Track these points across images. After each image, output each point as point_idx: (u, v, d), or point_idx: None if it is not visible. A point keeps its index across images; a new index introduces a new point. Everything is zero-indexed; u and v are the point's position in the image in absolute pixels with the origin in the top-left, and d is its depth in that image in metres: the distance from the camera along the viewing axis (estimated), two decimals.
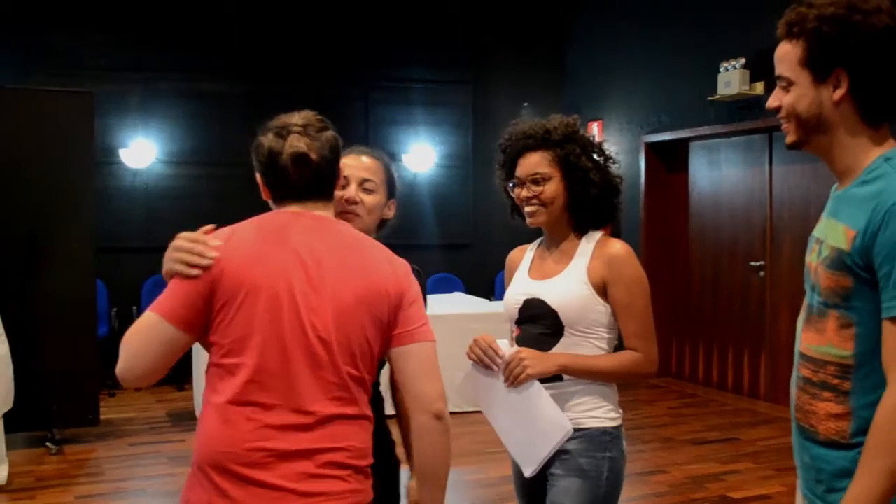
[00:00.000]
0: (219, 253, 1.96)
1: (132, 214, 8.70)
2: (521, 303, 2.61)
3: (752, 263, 7.91)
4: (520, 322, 2.62)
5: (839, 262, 1.85)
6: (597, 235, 2.61)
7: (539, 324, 2.57)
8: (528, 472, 2.52)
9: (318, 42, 9.32)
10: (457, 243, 9.97)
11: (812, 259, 1.98)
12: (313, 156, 2.06)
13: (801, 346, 2.00)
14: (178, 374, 8.15)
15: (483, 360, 2.49)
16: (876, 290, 1.80)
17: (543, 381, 2.48)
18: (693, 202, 8.68)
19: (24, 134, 6.04)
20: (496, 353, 2.48)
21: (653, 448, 6.39)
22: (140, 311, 8.43)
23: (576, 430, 2.47)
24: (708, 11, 8.07)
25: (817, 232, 2.00)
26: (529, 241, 2.83)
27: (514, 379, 2.43)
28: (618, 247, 2.55)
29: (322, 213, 2.11)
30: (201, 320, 1.97)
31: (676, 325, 8.76)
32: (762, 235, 7.85)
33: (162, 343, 1.94)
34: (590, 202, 2.58)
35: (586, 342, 2.52)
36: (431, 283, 9.46)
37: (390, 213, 2.71)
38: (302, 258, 1.99)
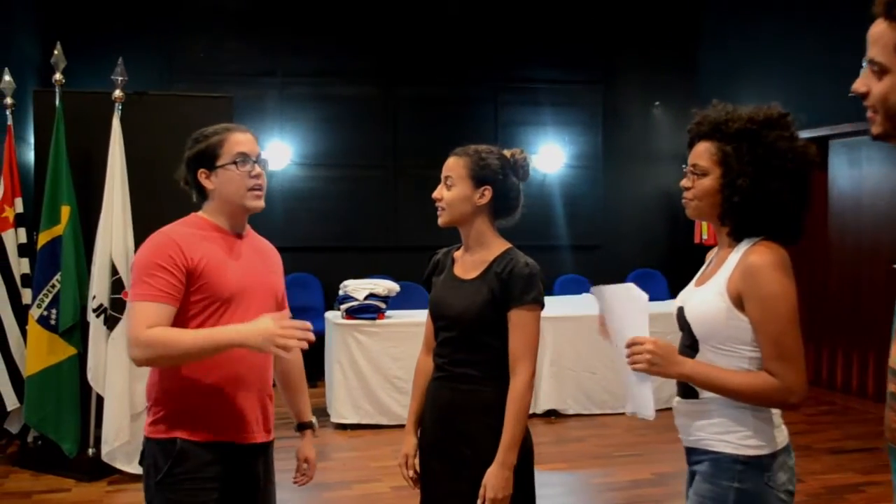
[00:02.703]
0: None
1: (269, 215, 8.84)
2: (676, 310, 2.44)
3: None
4: (680, 329, 2.45)
5: None
6: (753, 241, 2.31)
7: (684, 335, 2.40)
8: (644, 415, 2.33)
9: (449, 44, 9.41)
10: (587, 244, 9.88)
11: None
12: None
13: (891, 361, 1.73)
14: (311, 374, 8.35)
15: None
16: None
17: (681, 395, 2.39)
18: (833, 202, 8.40)
19: (168, 138, 6.26)
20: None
21: None
22: None
23: (705, 451, 2.35)
24: (846, 4, 7.79)
25: None
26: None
27: (631, 363, 2.25)
28: (757, 256, 2.23)
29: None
30: None
31: (813, 329, 8.47)
32: None
33: None
34: (736, 210, 2.30)
35: (723, 359, 2.28)
36: (560, 283, 9.41)
37: (483, 199, 2.79)
38: None
